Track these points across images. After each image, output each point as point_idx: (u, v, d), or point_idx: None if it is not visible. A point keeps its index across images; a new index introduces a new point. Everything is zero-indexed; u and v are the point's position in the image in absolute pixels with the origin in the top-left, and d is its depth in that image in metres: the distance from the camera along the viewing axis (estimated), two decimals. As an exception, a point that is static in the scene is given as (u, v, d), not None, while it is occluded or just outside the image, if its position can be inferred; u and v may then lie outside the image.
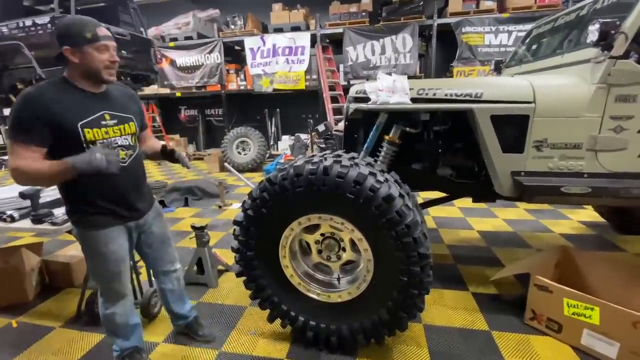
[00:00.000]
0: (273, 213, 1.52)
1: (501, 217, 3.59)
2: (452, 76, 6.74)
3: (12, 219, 1.89)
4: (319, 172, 1.40)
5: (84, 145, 1.22)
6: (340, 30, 6.94)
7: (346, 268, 1.70)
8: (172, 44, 7.69)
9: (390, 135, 1.90)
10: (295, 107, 8.34)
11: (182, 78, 7.89)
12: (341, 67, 7.32)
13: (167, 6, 8.52)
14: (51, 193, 2.15)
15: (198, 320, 1.84)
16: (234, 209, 4.13)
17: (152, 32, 7.84)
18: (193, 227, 2.37)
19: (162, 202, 4.28)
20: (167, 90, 8.13)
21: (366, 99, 1.84)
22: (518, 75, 2.27)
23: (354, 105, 1.86)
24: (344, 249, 1.61)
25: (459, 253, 2.76)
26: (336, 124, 6.74)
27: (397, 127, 1.87)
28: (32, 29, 3.55)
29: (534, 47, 2.47)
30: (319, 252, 1.66)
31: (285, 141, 7.87)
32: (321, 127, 2.19)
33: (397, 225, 1.34)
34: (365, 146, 1.97)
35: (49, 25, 3.50)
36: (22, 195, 1.84)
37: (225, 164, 3.58)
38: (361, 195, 1.35)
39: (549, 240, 3.00)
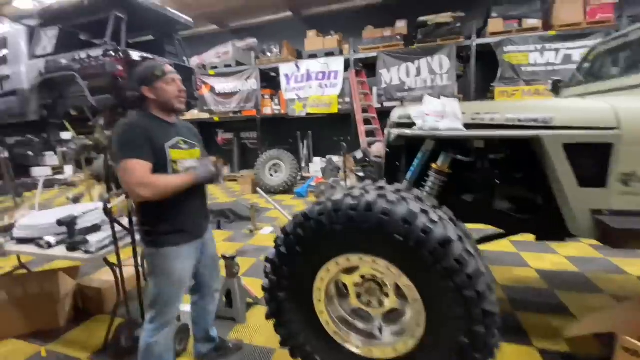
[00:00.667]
0: (308, 251, 1.36)
1: (562, 254, 3.15)
2: (493, 97, 6.40)
3: (49, 245, 1.89)
4: (361, 207, 1.23)
5: (169, 163, 1.40)
6: (374, 54, 6.93)
7: (390, 317, 1.47)
8: (212, 71, 8.10)
9: (439, 163, 1.69)
10: (327, 130, 8.33)
11: (220, 103, 8.22)
12: (375, 89, 7.25)
13: (209, 37, 9.08)
14: (89, 219, 2.16)
15: (223, 340, 1.89)
16: (265, 234, 4.03)
17: (194, 61, 8.34)
18: (224, 256, 2.27)
19: (195, 225, 4.29)
20: (206, 115, 8.50)
21: (410, 124, 1.68)
22: (586, 96, 1.99)
23: (396, 131, 1.69)
24: (387, 294, 1.40)
25: (516, 297, 2.40)
26: (369, 146, 6.60)
27: (446, 155, 1.67)
28: (86, 60, 3.84)
29: (599, 65, 2.19)
30: (358, 296, 1.46)
31: (317, 163, 7.82)
32: (358, 154, 2.03)
33: (457, 275, 1.12)
34: (408, 175, 1.78)
35: (101, 57, 3.78)
36: (60, 223, 1.84)
37: (258, 189, 3.53)
38: (411, 237, 1.15)
39: (623, 284, 2.55)
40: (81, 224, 2.05)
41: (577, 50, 5.88)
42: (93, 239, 1.97)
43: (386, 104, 7.15)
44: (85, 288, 2.46)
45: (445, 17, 6.48)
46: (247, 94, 7.89)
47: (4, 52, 4.30)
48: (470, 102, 1.79)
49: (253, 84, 7.79)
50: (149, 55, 4.39)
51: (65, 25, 4.12)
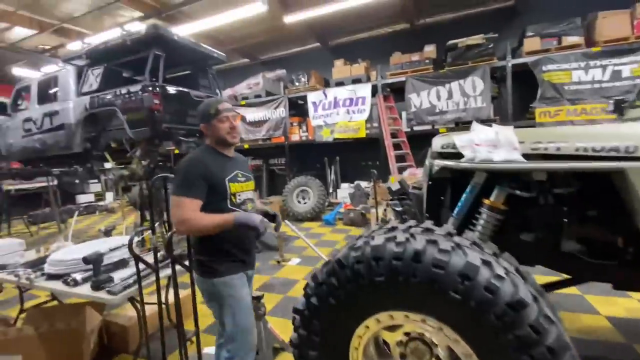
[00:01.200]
0: (344, 305, 1.18)
1: (636, 297, 2.69)
2: (533, 118, 6.02)
3: (75, 283, 1.85)
4: (407, 257, 1.05)
5: (229, 196, 1.49)
6: (402, 78, 6.84)
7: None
8: (243, 102, 8.38)
9: (492, 199, 1.47)
10: (355, 155, 8.22)
11: (250, 132, 8.43)
12: (404, 114, 7.10)
13: (241, 70, 9.52)
14: (117, 254, 2.12)
15: None
16: (293, 266, 3.86)
17: (227, 92, 8.71)
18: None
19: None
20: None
21: (455, 155, 1.49)
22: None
23: (440, 162, 1.51)
24: (437, 358, 1.17)
25: (588, 352, 2.02)
26: (400, 172, 6.36)
27: (501, 189, 1.45)
28: (126, 96, 4.06)
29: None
30: (402, 357, 1.24)
31: (345, 189, 7.65)
32: (395, 185, 1.84)
33: (534, 348, 0.88)
34: (456, 212, 1.57)
35: (140, 92, 3.98)
36: (86, 261, 1.80)
37: (286, 221, 3.41)
38: (472, 297, 0.94)
39: None
40: (108, 259, 2.01)
41: (628, 66, 5.45)
42: (118, 276, 1.91)
43: (416, 128, 6.95)
44: (110, 324, 2.39)
45: (476, 39, 6.31)
46: (276, 122, 8.04)
47: (55, 90, 4.68)
48: (526, 129, 1.56)
49: (282, 112, 7.94)
50: (185, 90, 4.58)
51: (109, 64, 4.43)
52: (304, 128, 8.01)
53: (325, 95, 7.53)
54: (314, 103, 7.63)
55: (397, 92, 7.17)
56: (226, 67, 9.74)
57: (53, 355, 2.11)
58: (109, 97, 4.19)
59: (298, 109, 8.62)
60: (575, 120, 5.75)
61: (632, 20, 5.39)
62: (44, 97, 4.80)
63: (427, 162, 1.70)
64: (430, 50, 6.90)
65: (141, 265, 1.74)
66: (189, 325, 2.14)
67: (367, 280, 1.12)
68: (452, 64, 6.51)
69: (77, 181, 8.50)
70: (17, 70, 8.16)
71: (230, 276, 1.48)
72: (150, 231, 1.86)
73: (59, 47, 7.18)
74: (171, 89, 4.34)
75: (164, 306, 1.90)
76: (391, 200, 1.92)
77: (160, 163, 4.99)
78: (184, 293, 2.35)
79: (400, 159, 6.74)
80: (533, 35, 6.01)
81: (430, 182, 1.61)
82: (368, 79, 7.27)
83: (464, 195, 1.55)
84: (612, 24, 5.57)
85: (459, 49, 6.44)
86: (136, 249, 2.23)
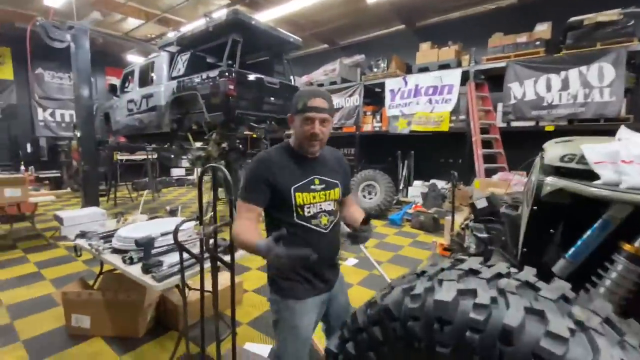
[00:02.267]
0: (388, 367, 0.88)
1: None
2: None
3: (131, 261, 1.90)
4: (491, 331, 0.69)
5: (294, 208, 1.27)
6: (502, 64, 5.80)
7: None
8: (319, 88, 8.25)
9: (638, 244, 0.97)
10: (433, 150, 7.44)
11: (322, 119, 8.31)
12: (499, 106, 6.06)
13: (320, 55, 9.38)
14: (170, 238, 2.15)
15: None
16: (349, 267, 3.61)
17: (304, 79, 8.69)
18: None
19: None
20: (308, 130, 8.72)
21: (582, 173, 1.02)
22: None
23: (556, 182, 1.05)
24: None
25: None
26: (489, 176, 5.48)
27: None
28: (206, 81, 4.24)
29: None
30: None
31: (417, 187, 7.01)
32: (481, 202, 1.41)
33: None
34: (571, 253, 1.10)
35: (217, 77, 4.11)
36: (137, 244, 1.83)
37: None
38: None
39: None
40: (162, 242, 2.04)
41: None
42: (170, 260, 1.92)
43: (514, 124, 5.88)
44: (167, 300, 2.50)
45: (610, 15, 4.93)
46: (349, 110, 7.73)
47: (152, 74, 5.18)
48: None
49: (356, 100, 7.59)
50: (260, 75, 4.60)
51: (195, 50, 4.69)
52: (378, 118, 7.54)
53: (406, 82, 6.90)
54: (391, 91, 7.07)
55: (494, 80, 6.15)
56: (305, 53, 9.71)
57: (115, 321, 2.29)
58: (192, 81, 4.44)
59: (374, 97, 8.14)
60: None
61: None
62: (144, 80, 5.37)
63: (532, 176, 1.23)
64: (543, 29, 5.68)
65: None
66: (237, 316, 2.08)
67: (423, 345, 0.79)
68: (573, 46, 5.23)
69: (172, 156, 9.60)
70: (131, 57, 9.47)
71: (294, 301, 1.29)
72: (198, 221, 1.80)
73: (162, 36, 8.04)
74: (246, 75, 4.39)
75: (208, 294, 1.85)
76: (474, 220, 1.49)
77: (239, 147, 5.20)
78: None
79: (489, 159, 5.82)
80: None
81: (535, 207, 1.15)
82: (458, 64, 6.38)
83: (589, 233, 1.07)
84: None
85: (584, 27, 5.13)
86: (194, 233, 2.24)
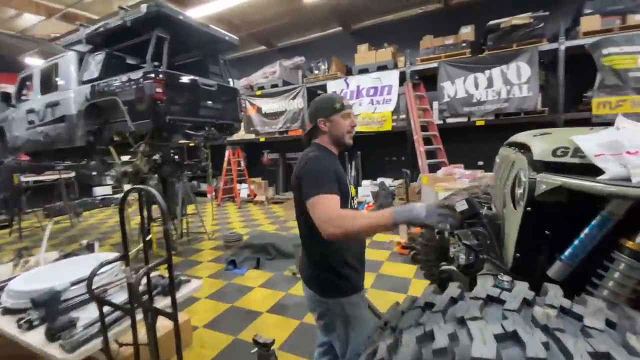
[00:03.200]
0: None
1: None
2: (589, 109, 5.20)
3: (30, 325, 1.41)
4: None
5: (349, 201, 1.33)
6: (434, 64, 6.12)
7: None
8: (258, 92, 7.90)
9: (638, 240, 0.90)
10: (378, 149, 7.59)
11: (266, 124, 7.96)
12: (435, 104, 6.40)
13: (258, 57, 9.01)
14: (105, 276, 1.67)
15: None
16: (311, 280, 3.36)
17: (242, 82, 8.26)
18: (255, 341, 1.63)
19: (232, 262, 3.79)
20: (252, 136, 8.30)
21: (579, 167, 0.93)
22: None
23: (552, 179, 0.94)
24: None
25: None
26: (432, 171, 5.71)
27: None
28: (127, 84, 3.64)
29: None
30: None
31: (367, 187, 7.07)
32: (461, 205, 1.28)
33: None
34: (568, 254, 1.01)
35: (141, 79, 3.54)
36: (35, 303, 1.35)
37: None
38: None
39: None
40: (75, 291, 1.57)
41: None
42: (86, 315, 1.47)
43: (449, 120, 6.25)
44: None
45: (522, 18, 5.50)
46: (293, 113, 7.52)
47: (56, 79, 4.33)
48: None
49: (299, 103, 7.41)
50: (193, 77, 4.12)
51: (111, 48, 4.02)
52: (324, 120, 7.45)
53: (347, 84, 6.92)
54: (334, 93, 7.04)
55: (428, 80, 6.46)
56: (241, 55, 9.27)
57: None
58: (109, 85, 3.79)
59: (317, 99, 8.05)
60: (643, 112, 4.89)
61: None
62: (47, 86, 4.47)
63: (521, 173, 1.12)
64: (467, 32, 6.13)
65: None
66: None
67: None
68: (494, 47, 5.73)
69: (93, 174, 8.35)
70: (30, 60, 8.00)
71: (356, 295, 1.34)
72: (124, 262, 1.40)
73: (69, 35, 6.90)
74: (177, 77, 3.89)
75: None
76: (453, 230, 1.35)
77: (174, 158, 4.61)
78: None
79: (430, 154, 6.09)
80: (592, 12, 5.14)
81: (529, 208, 1.03)
82: (395, 66, 6.58)
83: (587, 231, 0.99)
84: (693, -3, 4.64)
85: (501, 29, 5.65)
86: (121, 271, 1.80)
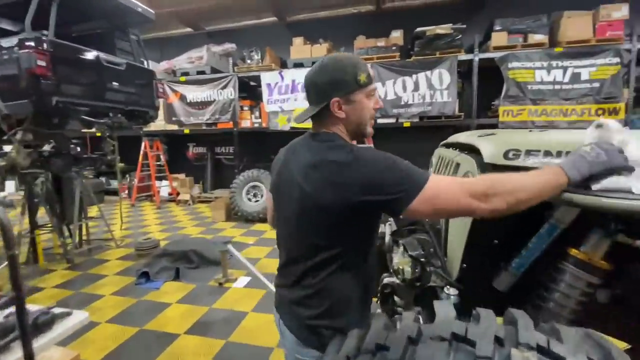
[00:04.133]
0: None
1: None
2: (496, 116, 5.87)
3: None
4: None
5: None
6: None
7: None
8: (183, 78, 7.11)
9: (586, 249, 0.87)
10: (313, 147, 7.49)
11: (191, 114, 7.21)
12: (367, 104, 6.53)
13: (183, 40, 8.11)
14: None
15: None
16: (239, 289, 3.05)
17: (163, 65, 7.34)
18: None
19: (145, 274, 3.24)
20: (175, 127, 7.45)
21: (527, 171, 0.86)
22: None
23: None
24: None
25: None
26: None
27: (602, 234, 0.85)
28: (-6, 53, 2.80)
29: None
30: None
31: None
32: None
33: None
34: (515, 264, 0.96)
35: (16, 48, 2.74)
36: None
37: (230, 246, 2.62)
38: None
39: None
40: None
41: (586, 69, 5.48)
42: None
43: (380, 121, 6.43)
44: None
45: (444, 29, 5.93)
46: (223, 104, 6.95)
47: None
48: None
49: (230, 93, 6.87)
50: (93, 51, 3.39)
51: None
52: (257, 114, 7.05)
53: (282, 77, 6.64)
54: (268, 85, 6.69)
55: (361, 79, 6.55)
56: (163, 35, 8.26)
57: None
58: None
59: (250, 91, 7.60)
60: (536, 120, 5.69)
61: (595, 22, 5.38)
62: None
63: (469, 176, 1.03)
64: (397, 36, 6.38)
65: None
66: None
67: None
68: (420, 53, 6.06)
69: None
70: None
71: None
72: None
73: None
74: (69, 48, 3.14)
75: None
76: (396, 232, 1.23)
77: (75, 149, 3.77)
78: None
79: (362, 153, 6.19)
80: (501, 29, 5.77)
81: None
82: (330, 63, 6.52)
83: (535, 240, 0.94)
84: (574, 26, 5.53)
85: (426, 37, 6.00)
86: None
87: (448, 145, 1.46)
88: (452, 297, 1.01)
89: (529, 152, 0.87)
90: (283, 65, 7.10)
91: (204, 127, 7.29)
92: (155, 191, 7.26)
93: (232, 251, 2.74)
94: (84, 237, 4.18)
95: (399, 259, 1.10)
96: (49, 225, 3.78)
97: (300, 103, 6.60)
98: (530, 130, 1.13)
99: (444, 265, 1.10)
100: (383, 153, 0.84)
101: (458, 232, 1.05)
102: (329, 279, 0.89)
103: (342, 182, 0.81)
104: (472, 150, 1.09)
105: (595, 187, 0.75)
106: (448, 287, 1.03)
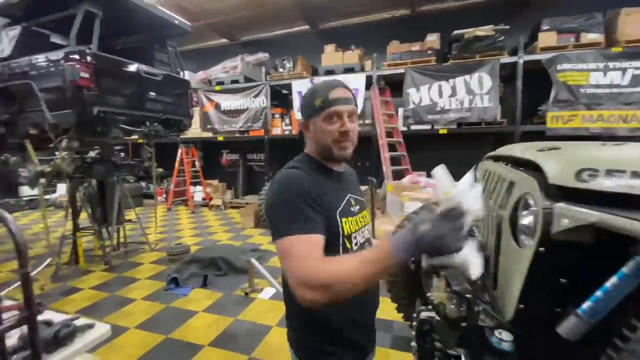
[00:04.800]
0: None
1: None
2: (543, 122, 5.40)
3: None
4: None
5: (341, 241, 0.91)
6: (400, 70, 6.03)
7: None
8: (218, 87, 7.33)
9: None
10: (343, 154, 7.37)
11: (225, 122, 7.41)
12: (400, 110, 6.31)
13: (219, 50, 8.41)
14: None
15: None
16: (265, 300, 2.97)
17: (200, 75, 7.64)
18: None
19: (174, 280, 3.28)
20: (209, 134, 7.70)
21: (611, 196, 0.68)
22: None
23: (579, 211, 0.68)
24: None
25: None
26: (396, 178, 5.57)
27: None
28: (44, 65, 3.01)
29: None
30: None
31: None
32: (429, 263, 0.89)
33: None
34: (587, 308, 0.77)
35: (62, 61, 2.93)
36: None
37: (253, 260, 2.56)
38: None
39: None
40: None
41: (650, 71, 4.89)
42: None
43: (414, 127, 6.19)
44: None
45: (485, 30, 5.59)
46: (255, 112, 7.06)
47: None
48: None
49: (262, 101, 6.97)
50: (132, 63, 3.55)
51: (29, 23, 3.33)
52: (287, 121, 7.08)
53: (313, 85, 6.62)
54: (299, 93, 6.70)
55: (393, 85, 6.36)
56: (200, 47, 8.62)
57: None
58: (21, 66, 3.11)
59: (281, 99, 7.66)
60: (591, 127, 5.16)
61: (660, 18, 4.81)
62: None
63: (534, 208, 0.86)
64: (432, 40, 6.12)
65: None
66: None
67: None
68: (457, 56, 5.75)
69: (24, 173, 7.25)
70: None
71: None
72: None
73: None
74: (111, 61, 3.30)
75: None
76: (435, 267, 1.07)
77: (119, 156, 3.98)
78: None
79: (394, 161, 5.97)
80: (549, 29, 5.34)
81: (542, 249, 0.77)
82: (362, 69, 6.41)
83: (616, 280, 0.74)
84: (635, 23, 4.98)
85: (465, 40, 5.69)
86: None
87: (497, 159, 1.27)
88: (505, 342, 0.84)
89: (610, 173, 0.69)
90: (314, 72, 7.09)
91: (237, 135, 7.45)
92: (189, 196, 7.50)
93: (255, 265, 2.67)
94: (122, 240, 4.37)
95: (439, 292, 0.94)
96: (91, 227, 3.99)
97: (330, 110, 6.53)
98: (604, 144, 0.93)
99: (494, 302, 0.93)
100: (285, 187, 0.88)
101: (514, 266, 0.87)
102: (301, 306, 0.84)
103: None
104: (529, 165, 0.91)
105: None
106: (500, 331, 0.86)
